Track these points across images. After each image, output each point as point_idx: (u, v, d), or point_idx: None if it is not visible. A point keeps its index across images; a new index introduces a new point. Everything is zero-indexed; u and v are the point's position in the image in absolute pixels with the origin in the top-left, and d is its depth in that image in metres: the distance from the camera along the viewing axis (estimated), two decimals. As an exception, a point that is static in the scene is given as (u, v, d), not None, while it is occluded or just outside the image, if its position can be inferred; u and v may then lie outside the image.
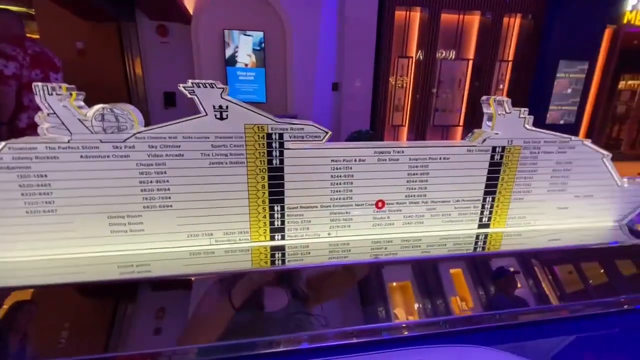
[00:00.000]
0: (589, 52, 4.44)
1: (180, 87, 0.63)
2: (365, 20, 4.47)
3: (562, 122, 4.57)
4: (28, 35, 2.59)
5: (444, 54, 4.79)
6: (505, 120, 0.78)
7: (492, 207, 0.83)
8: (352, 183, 0.76)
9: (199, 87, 0.64)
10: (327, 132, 0.72)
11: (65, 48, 4.08)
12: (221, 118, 0.66)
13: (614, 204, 0.89)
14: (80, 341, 0.59)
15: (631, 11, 4.34)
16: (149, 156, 0.65)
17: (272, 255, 0.74)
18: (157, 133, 0.65)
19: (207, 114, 0.65)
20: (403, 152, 0.75)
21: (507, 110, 0.76)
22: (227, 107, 0.66)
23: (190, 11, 4.39)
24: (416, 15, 4.62)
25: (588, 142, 0.81)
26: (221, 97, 0.65)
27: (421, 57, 4.73)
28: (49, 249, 0.66)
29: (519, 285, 0.77)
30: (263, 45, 4.66)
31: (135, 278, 0.65)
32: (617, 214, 0.90)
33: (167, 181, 0.68)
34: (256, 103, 4.83)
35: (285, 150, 0.70)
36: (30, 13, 4.38)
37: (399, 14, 4.56)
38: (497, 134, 0.78)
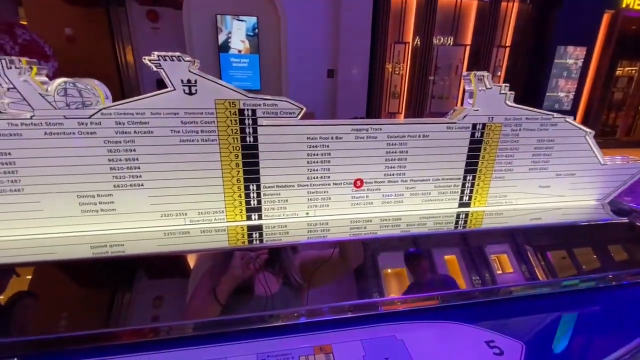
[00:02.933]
0: (587, 38, 4.37)
1: (145, 59, 0.60)
2: (360, 5, 4.37)
3: (558, 107, 4.53)
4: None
5: (441, 40, 4.71)
6: (486, 97, 0.76)
7: (472, 185, 0.82)
8: (329, 162, 0.74)
9: (166, 60, 0.61)
10: (301, 109, 0.70)
11: (54, 35, 3.98)
12: (190, 93, 0.64)
13: (597, 183, 0.88)
14: (54, 320, 0.59)
15: (630, -5, 4.26)
16: (116, 133, 0.64)
17: (250, 235, 0.73)
18: (123, 109, 0.63)
19: (175, 89, 0.63)
20: (381, 129, 0.74)
21: (488, 86, 0.75)
22: (195, 81, 0.63)
23: (181, -4, 4.28)
24: (413, 0, 4.52)
25: (570, 119, 0.80)
26: (189, 71, 0.63)
27: (418, 43, 4.65)
28: (18, 229, 0.65)
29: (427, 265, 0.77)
30: (257, 30, 4.56)
31: (109, 257, 0.65)
32: (600, 192, 0.90)
33: (137, 159, 0.66)
34: (251, 90, 4.76)
35: (258, 127, 0.69)
36: (15, -2, 4.26)
37: (395, -3, 4.46)
38: (477, 110, 0.76)
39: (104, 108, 0.62)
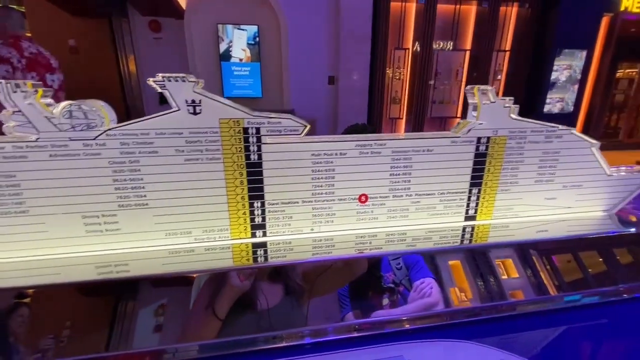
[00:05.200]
0: (587, 41, 4.37)
1: (150, 81, 0.61)
2: (361, 12, 4.40)
3: (559, 111, 4.53)
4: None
5: (441, 45, 4.73)
6: (490, 110, 0.76)
7: (478, 199, 0.82)
8: (333, 177, 0.74)
9: (170, 81, 0.62)
10: (305, 126, 0.70)
11: (57, 46, 4.02)
12: (195, 113, 0.64)
13: (604, 194, 0.87)
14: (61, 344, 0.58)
15: (628, -2, 4.28)
16: (121, 153, 0.64)
17: (254, 252, 0.72)
18: (128, 130, 0.63)
19: (179, 109, 0.63)
20: (385, 144, 0.73)
21: (492, 100, 0.74)
22: (200, 101, 0.64)
23: (183, 6, 4.33)
24: (412, 6, 4.55)
25: (575, 131, 0.79)
26: (194, 92, 0.63)
27: (418, 48, 4.67)
28: (23, 250, 0.65)
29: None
30: (258, 39, 4.60)
31: (114, 278, 0.64)
32: (607, 203, 0.89)
33: (142, 179, 0.66)
34: (252, 98, 4.79)
35: (263, 145, 0.69)
36: (20, 10, 4.32)
37: (395, 5, 4.49)
38: (481, 124, 0.76)
39: (109, 129, 0.62)
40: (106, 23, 4.40)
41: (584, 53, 4.44)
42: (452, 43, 4.76)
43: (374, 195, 0.77)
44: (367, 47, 4.50)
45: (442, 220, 0.82)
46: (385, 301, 0.82)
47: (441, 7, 4.53)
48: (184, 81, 0.62)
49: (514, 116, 0.76)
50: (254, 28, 4.55)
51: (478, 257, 0.81)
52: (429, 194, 0.80)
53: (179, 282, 0.69)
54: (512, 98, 0.74)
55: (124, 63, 4.52)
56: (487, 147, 0.78)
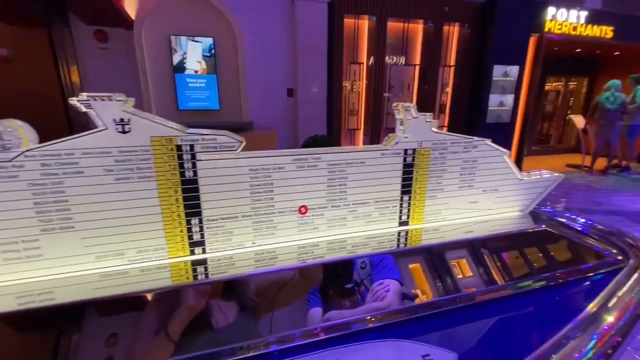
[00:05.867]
0: (519, 58, 4.91)
1: (73, 100, 0.59)
2: (316, 27, 4.55)
3: (499, 121, 5.00)
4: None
5: (394, 60, 5.02)
6: (414, 125, 0.84)
7: (409, 205, 0.89)
8: (272, 191, 0.77)
9: (96, 100, 0.61)
10: (241, 142, 0.72)
11: (-14, 55, 3.67)
12: (124, 132, 0.63)
13: (517, 196, 0.99)
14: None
15: (551, 20, 4.88)
16: (42, 175, 0.61)
17: (194, 270, 0.72)
18: (50, 150, 0.61)
19: (107, 128, 0.63)
20: (320, 158, 0.78)
21: (414, 116, 0.82)
22: (129, 120, 0.63)
23: (133, 16, 4.17)
24: (365, 23, 4.80)
25: (489, 142, 0.90)
26: (122, 110, 0.63)
27: (372, 63, 4.91)
28: None
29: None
30: (213, 51, 4.55)
31: (38, 307, 0.60)
32: (521, 204, 1.01)
33: (67, 201, 0.63)
34: (209, 110, 4.69)
35: (197, 162, 0.69)
36: (-60, 16, 3.88)
37: (348, 21, 4.71)
38: (407, 137, 0.83)
39: (27, 150, 0.59)
40: (45, 32, 4.10)
41: (517, 68, 4.97)
42: (404, 58, 5.08)
43: (313, 207, 0.81)
44: (323, 61, 4.65)
45: (378, 227, 0.88)
46: (345, 302, 0.85)
47: (392, 25, 4.82)
48: (110, 100, 0.61)
49: (434, 130, 0.85)
50: (209, 40, 4.50)
51: (435, 259, 0.88)
52: (364, 203, 0.85)
53: (127, 308, 0.66)
54: (431, 114, 0.83)
55: (66, 74, 4.22)
56: (413, 158, 0.85)
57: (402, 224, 0.90)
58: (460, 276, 0.89)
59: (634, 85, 5.07)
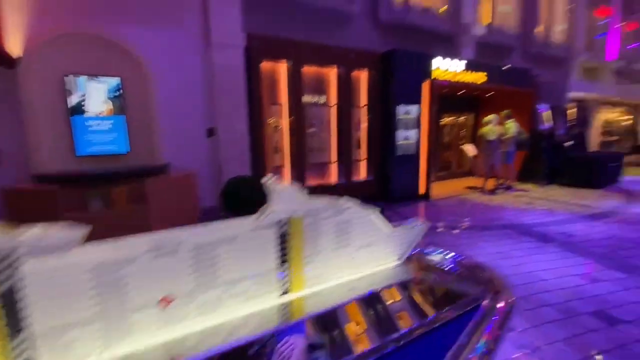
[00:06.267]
0: (416, 98, 5.70)
1: None
2: (233, 70, 4.61)
3: (407, 153, 5.64)
4: None
5: (314, 99, 5.33)
6: (285, 196, 0.86)
7: (288, 274, 0.89)
8: (124, 287, 0.69)
9: None
10: (82, 236, 0.64)
11: None
12: None
13: (391, 248, 1.07)
14: None
15: (437, 69, 5.85)
16: None
17: (21, 397, 0.59)
18: None
19: None
20: (181, 243, 0.74)
21: (285, 187, 0.85)
22: None
23: (15, 54, 3.68)
24: (283, 66, 5.04)
25: (355, 205, 0.97)
26: None
27: (292, 103, 5.12)
28: None
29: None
30: (121, 91, 4.23)
31: None
32: (396, 255, 1.10)
33: None
34: (116, 155, 4.26)
35: (20, 269, 0.59)
36: None
37: (266, 65, 4.89)
38: (279, 208, 0.85)
39: None
40: None
41: (417, 107, 5.74)
42: (325, 97, 5.44)
43: (179, 294, 0.75)
44: (243, 102, 4.69)
45: (257, 302, 0.85)
46: None
47: (310, 69, 5.17)
48: None
49: (305, 198, 0.89)
50: (116, 80, 4.19)
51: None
52: (240, 279, 0.82)
53: None
54: (300, 185, 0.87)
55: None
56: (287, 227, 0.87)
57: (283, 294, 0.89)
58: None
59: (505, 119, 6.27)
